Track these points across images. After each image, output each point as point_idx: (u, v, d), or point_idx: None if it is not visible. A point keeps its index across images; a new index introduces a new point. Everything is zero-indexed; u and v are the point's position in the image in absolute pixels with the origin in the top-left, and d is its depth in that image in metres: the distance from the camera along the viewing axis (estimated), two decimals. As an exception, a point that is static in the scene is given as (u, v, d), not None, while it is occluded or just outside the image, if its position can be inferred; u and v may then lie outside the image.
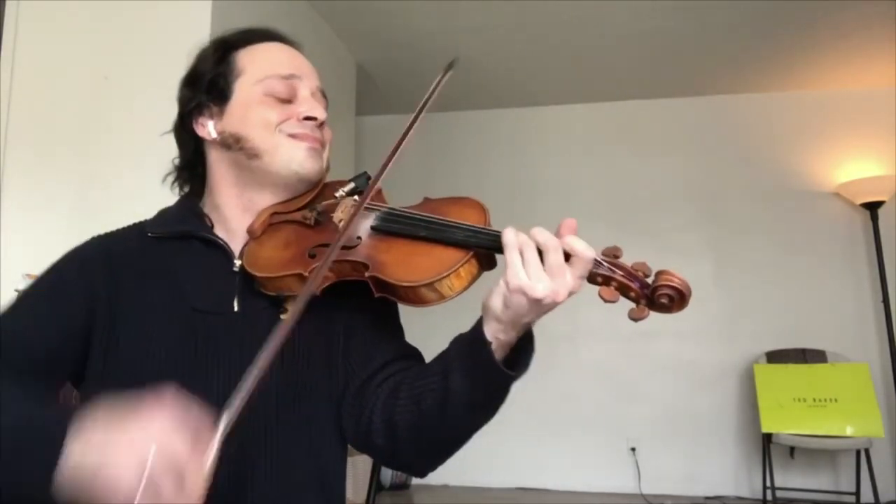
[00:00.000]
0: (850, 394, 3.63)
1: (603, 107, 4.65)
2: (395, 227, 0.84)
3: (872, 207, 4.03)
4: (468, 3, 3.44)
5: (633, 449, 4.22)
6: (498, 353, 0.77)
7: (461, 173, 4.67)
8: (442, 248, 0.80)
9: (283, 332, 0.70)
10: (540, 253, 0.73)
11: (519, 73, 4.30)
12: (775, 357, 3.96)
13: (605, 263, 0.74)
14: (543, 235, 0.74)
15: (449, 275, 0.77)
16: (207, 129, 0.94)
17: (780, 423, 3.63)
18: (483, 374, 0.78)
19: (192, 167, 0.99)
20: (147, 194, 1.00)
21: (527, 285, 0.72)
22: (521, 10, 3.51)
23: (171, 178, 1.01)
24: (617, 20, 3.61)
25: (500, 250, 0.76)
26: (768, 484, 3.66)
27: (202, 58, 0.97)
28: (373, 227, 0.85)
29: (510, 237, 0.75)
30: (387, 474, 4.10)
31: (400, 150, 0.86)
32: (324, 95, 0.98)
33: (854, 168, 4.17)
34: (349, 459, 0.94)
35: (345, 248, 0.83)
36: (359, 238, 0.84)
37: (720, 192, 4.41)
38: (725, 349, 4.21)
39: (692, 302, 0.78)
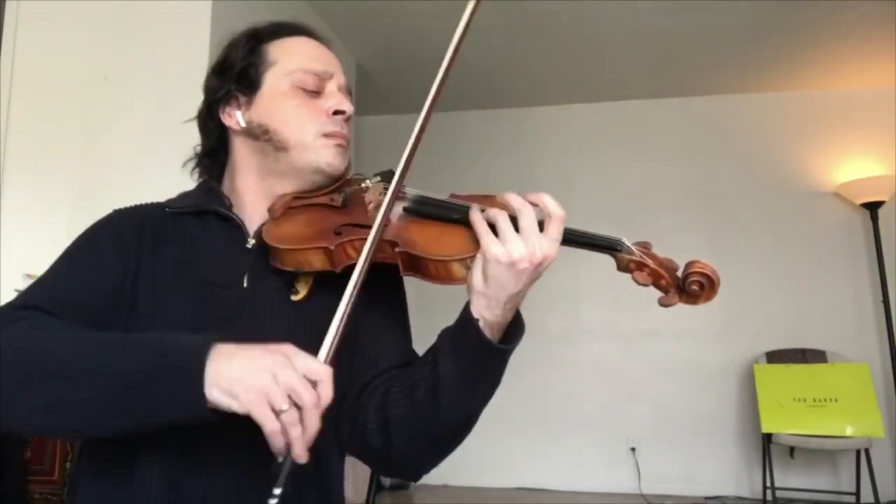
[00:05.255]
0: (850, 394, 3.63)
1: (603, 107, 4.65)
2: (427, 209, 0.86)
3: (872, 207, 4.03)
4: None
5: (633, 449, 4.22)
6: (488, 334, 0.77)
7: (461, 174, 4.66)
8: (472, 231, 0.80)
9: (355, 280, 0.75)
10: (514, 220, 0.76)
11: (519, 73, 4.29)
12: (775, 357, 3.96)
13: (636, 251, 0.80)
14: (517, 201, 0.78)
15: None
16: (235, 118, 0.94)
17: (780, 423, 3.63)
18: (472, 351, 0.78)
19: (214, 155, 0.99)
20: (147, 194, 1.00)
21: (500, 251, 0.74)
22: (521, 10, 3.51)
23: (191, 164, 1.01)
24: (617, 20, 3.61)
25: None
26: (768, 484, 3.66)
27: (232, 47, 0.97)
28: (405, 209, 0.86)
29: (475, 214, 0.78)
30: (387, 474, 4.09)
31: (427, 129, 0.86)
32: (349, 92, 0.98)
33: (854, 168, 4.17)
34: (349, 459, 0.93)
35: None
36: (388, 220, 0.85)
37: (720, 192, 4.41)
38: (725, 349, 4.21)
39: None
